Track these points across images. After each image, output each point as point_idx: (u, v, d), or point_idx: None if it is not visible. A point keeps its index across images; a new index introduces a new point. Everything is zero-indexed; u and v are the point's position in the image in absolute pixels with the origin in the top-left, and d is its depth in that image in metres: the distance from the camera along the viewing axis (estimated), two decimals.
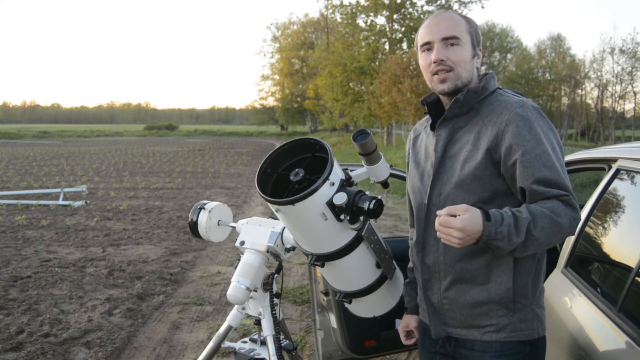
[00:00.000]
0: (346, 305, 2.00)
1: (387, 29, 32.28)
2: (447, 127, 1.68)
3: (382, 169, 1.88)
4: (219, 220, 2.13)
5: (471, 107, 1.65)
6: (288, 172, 1.74)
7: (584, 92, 51.51)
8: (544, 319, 1.68)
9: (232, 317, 2.04)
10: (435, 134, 1.71)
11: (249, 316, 2.04)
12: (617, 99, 46.67)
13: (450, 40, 1.62)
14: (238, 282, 1.89)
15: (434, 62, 1.63)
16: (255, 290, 1.97)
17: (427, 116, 1.79)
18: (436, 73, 1.64)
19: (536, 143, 1.51)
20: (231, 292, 1.88)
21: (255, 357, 2.03)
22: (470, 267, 1.63)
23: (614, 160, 2.22)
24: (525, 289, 1.62)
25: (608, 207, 2.22)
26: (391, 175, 1.94)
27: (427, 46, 1.66)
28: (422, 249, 1.75)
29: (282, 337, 1.99)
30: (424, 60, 1.68)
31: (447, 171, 1.65)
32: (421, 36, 1.68)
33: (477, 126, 1.62)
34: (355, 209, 1.60)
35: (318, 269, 1.89)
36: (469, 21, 1.68)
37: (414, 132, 1.91)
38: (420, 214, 1.74)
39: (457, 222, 1.39)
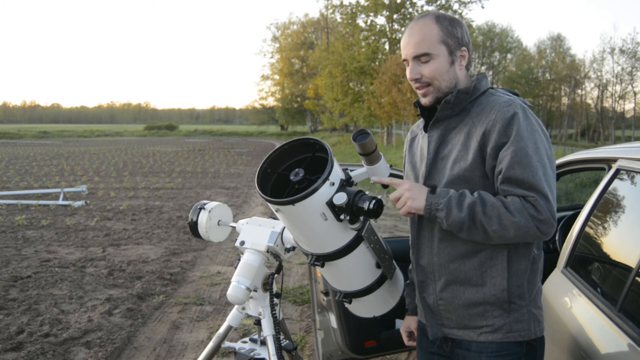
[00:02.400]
0: (346, 305, 2.00)
1: (387, 29, 32.29)
2: (439, 128, 1.69)
3: (382, 169, 1.88)
4: (219, 220, 2.13)
5: (462, 108, 1.65)
6: (288, 172, 1.74)
7: (584, 92, 51.57)
8: (542, 320, 1.68)
9: (232, 317, 2.04)
10: (427, 136, 1.72)
11: (249, 316, 2.04)
12: (617, 99, 46.69)
13: (421, 58, 1.63)
14: (238, 282, 1.89)
15: (410, 81, 1.67)
16: (255, 290, 1.97)
17: (422, 118, 1.80)
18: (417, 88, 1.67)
19: (515, 141, 1.51)
20: (231, 292, 1.88)
21: (255, 357, 2.03)
22: (464, 268, 1.63)
23: (614, 160, 2.22)
24: (521, 290, 1.62)
25: (608, 207, 2.22)
26: (391, 175, 1.94)
27: (405, 62, 1.69)
28: (416, 251, 1.76)
29: (282, 337, 1.99)
30: (407, 73, 1.70)
31: (439, 172, 1.66)
32: (401, 50, 1.71)
33: (467, 126, 1.62)
34: (355, 209, 1.60)
35: (318, 269, 1.89)
36: (442, 27, 1.62)
37: (411, 133, 1.91)
38: (414, 215, 1.74)
39: (405, 182, 1.62)
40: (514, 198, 1.50)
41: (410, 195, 1.58)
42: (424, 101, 1.68)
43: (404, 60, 1.69)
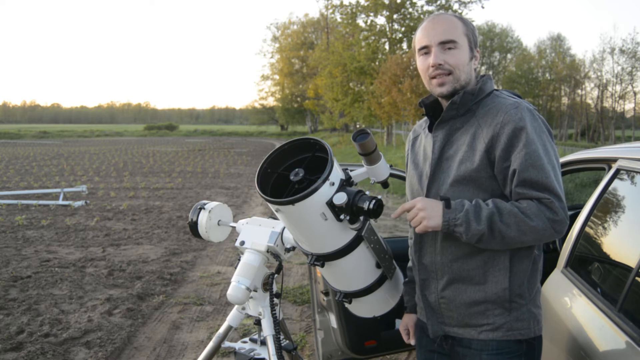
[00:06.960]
0: (346, 305, 2.00)
1: (387, 29, 32.28)
2: (444, 128, 1.69)
3: (382, 169, 1.88)
4: (219, 220, 2.13)
5: (468, 108, 1.66)
6: (288, 172, 1.74)
7: (584, 92, 51.54)
8: (541, 319, 1.69)
9: (232, 317, 2.04)
10: (432, 136, 1.72)
11: (249, 316, 2.04)
12: (617, 99, 46.67)
13: (447, 44, 1.63)
14: (238, 282, 1.89)
15: (432, 66, 1.64)
16: (255, 290, 1.97)
17: (426, 117, 1.80)
18: (434, 77, 1.65)
19: (527, 144, 1.53)
20: (231, 292, 1.88)
21: (255, 357, 2.03)
22: (466, 267, 1.64)
23: (614, 160, 2.22)
24: (522, 289, 1.63)
25: (608, 207, 2.22)
26: (391, 175, 1.94)
27: (425, 50, 1.67)
28: (419, 249, 1.76)
29: (282, 337, 1.99)
30: (421, 63, 1.69)
31: (444, 172, 1.67)
32: (418, 40, 1.69)
33: (473, 127, 1.63)
34: (355, 209, 1.60)
35: (318, 269, 1.89)
36: (465, 23, 1.68)
37: (413, 133, 1.92)
38: None
39: (418, 201, 1.56)
40: (529, 202, 1.51)
41: (424, 214, 1.54)
42: (441, 90, 1.66)
43: (423, 48, 1.67)
